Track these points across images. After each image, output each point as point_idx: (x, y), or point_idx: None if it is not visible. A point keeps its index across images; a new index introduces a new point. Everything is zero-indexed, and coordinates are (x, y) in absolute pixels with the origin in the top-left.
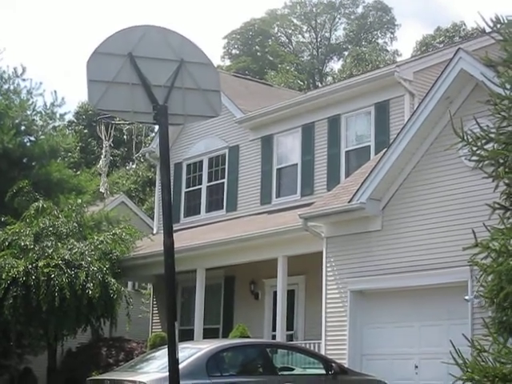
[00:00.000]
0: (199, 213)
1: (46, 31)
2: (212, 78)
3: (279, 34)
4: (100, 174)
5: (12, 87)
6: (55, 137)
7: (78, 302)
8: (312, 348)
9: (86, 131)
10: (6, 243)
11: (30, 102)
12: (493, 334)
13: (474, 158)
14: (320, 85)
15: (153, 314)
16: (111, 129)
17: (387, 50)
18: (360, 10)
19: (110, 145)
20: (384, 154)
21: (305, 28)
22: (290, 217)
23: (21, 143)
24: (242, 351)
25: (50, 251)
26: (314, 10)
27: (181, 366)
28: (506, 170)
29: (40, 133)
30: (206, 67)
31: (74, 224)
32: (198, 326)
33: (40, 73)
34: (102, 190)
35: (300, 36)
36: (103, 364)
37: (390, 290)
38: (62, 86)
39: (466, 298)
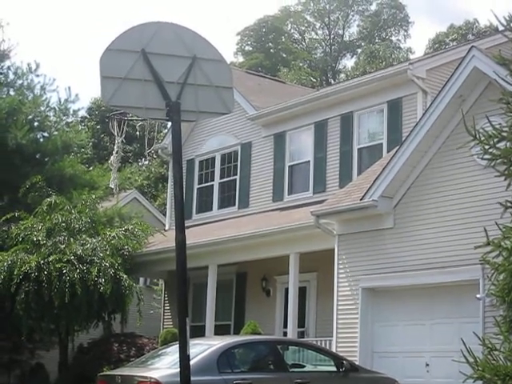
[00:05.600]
0: (211, 209)
1: (60, 27)
2: (225, 75)
3: (292, 31)
4: (111, 170)
5: (26, 83)
6: (68, 133)
7: (89, 297)
8: (323, 345)
9: (98, 127)
10: (19, 238)
11: (44, 98)
12: (504, 333)
13: (487, 156)
14: (333, 82)
15: (164, 309)
16: (124, 125)
17: (400, 48)
18: (373, 7)
19: (122, 141)
20: (396, 151)
21: (318, 25)
22: (302, 214)
23: (34, 139)
24: (253, 348)
25: (62, 246)
26: (328, 7)
27: (192, 362)
28: None
29: (53, 129)
30: (219, 64)
31: (87, 219)
32: (210, 322)
33: (53, 68)
34: (111, 185)
35: (313, 33)
36: (114, 359)
37: (401, 288)
38: (74, 82)
39: (478, 296)
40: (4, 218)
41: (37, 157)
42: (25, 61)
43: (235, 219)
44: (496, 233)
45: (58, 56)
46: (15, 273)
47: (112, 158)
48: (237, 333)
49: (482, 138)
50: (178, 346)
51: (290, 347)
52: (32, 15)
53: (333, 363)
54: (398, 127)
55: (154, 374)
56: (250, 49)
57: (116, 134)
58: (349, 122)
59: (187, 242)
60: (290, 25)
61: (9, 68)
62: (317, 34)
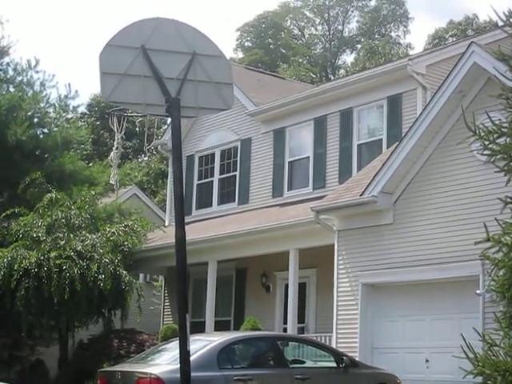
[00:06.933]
0: (211, 205)
1: (59, 23)
2: (224, 71)
3: (292, 27)
4: (111, 166)
5: (25, 79)
6: (68, 129)
7: (89, 293)
8: (323, 341)
9: (98, 123)
10: (19, 234)
11: (44, 94)
12: (504, 329)
13: (486, 152)
14: (332, 78)
15: (164, 305)
16: (123, 121)
17: (400, 43)
18: (373, 2)
19: (122, 137)
20: (396, 147)
21: (317, 21)
22: (302, 210)
23: (34, 135)
24: (253, 344)
25: (62, 243)
26: (327, 2)
27: (192, 358)
28: None
29: (53, 125)
30: (219, 60)
31: (87, 216)
32: (210, 318)
33: (53, 65)
34: (112, 181)
35: (313, 29)
36: (114, 355)
37: (401, 284)
38: (74, 79)
39: (478, 292)
40: (4, 214)
41: (37, 153)
42: (24, 57)
43: (235, 215)
44: (496, 228)
45: (58, 53)
46: (15, 269)
47: (112, 154)
48: (237, 329)
49: (482, 134)
50: (178, 341)
51: (289, 343)
52: (31, 12)
53: (333, 359)
54: (398, 123)
55: (155, 370)
56: (250, 45)
57: (116, 130)
58: (348, 117)
59: (187, 238)
60: (289, 20)
61: (8, 64)
62: (316, 29)
